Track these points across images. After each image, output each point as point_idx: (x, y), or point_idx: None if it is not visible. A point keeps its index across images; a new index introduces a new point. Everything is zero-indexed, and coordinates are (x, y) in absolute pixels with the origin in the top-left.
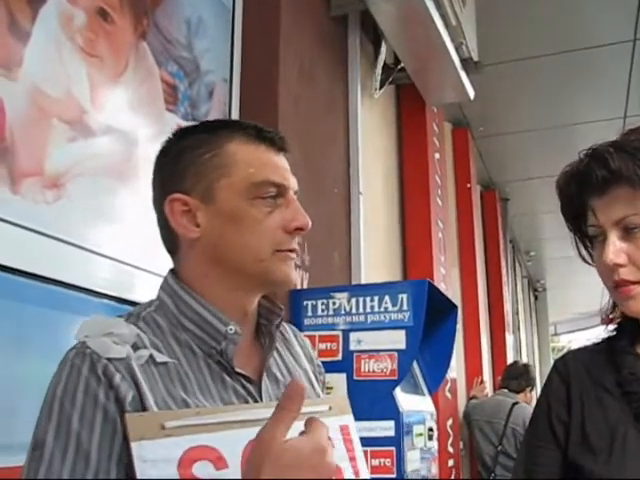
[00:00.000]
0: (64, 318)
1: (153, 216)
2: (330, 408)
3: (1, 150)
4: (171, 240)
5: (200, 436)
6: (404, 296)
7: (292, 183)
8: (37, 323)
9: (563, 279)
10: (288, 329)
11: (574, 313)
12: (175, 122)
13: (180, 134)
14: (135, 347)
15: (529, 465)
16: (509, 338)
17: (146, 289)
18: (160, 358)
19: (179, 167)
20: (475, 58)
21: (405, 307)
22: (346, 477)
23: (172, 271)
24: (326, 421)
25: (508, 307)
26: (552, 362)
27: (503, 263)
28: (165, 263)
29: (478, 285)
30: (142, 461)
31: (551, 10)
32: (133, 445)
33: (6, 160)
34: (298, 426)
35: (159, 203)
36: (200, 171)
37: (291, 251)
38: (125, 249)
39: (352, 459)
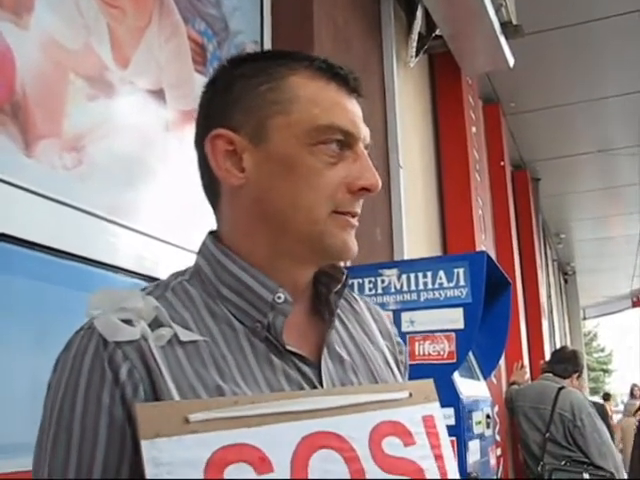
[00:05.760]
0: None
1: (184, 185)
2: (410, 395)
3: (12, 105)
4: (212, 188)
5: (237, 432)
6: (460, 270)
7: (364, 133)
8: (55, 304)
9: (592, 262)
10: (359, 300)
11: (603, 296)
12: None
13: (234, 61)
14: (155, 324)
15: None
16: (544, 323)
17: (178, 267)
18: (186, 336)
19: (228, 98)
20: (514, 21)
21: (462, 282)
22: (429, 478)
23: (212, 233)
24: (406, 411)
25: (543, 291)
26: (583, 347)
27: (536, 246)
28: (200, 238)
29: (515, 268)
30: (155, 465)
31: None
32: (144, 444)
33: (18, 117)
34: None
35: (201, 140)
36: (253, 105)
37: (353, 216)
38: (154, 222)
39: (438, 457)
